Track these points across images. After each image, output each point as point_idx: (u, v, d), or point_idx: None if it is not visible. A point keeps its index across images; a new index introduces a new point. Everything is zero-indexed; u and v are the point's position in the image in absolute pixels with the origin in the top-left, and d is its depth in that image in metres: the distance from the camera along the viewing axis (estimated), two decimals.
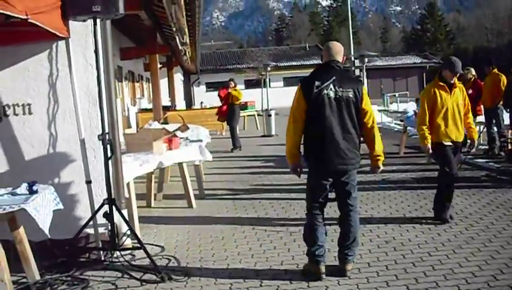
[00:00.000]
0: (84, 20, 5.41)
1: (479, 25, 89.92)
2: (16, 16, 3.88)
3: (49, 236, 4.69)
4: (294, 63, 51.05)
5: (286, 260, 5.51)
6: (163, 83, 24.01)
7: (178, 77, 33.03)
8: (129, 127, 16.80)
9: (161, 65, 20.94)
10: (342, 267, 5.03)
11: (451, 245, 5.67)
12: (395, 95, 36.44)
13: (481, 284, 4.55)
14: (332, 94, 4.88)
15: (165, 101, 23.52)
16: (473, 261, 5.15)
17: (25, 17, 3.96)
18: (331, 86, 4.88)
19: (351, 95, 4.91)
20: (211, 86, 44.59)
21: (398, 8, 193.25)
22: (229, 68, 47.81)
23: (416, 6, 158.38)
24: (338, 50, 5.12)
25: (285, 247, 5.93)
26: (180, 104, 31.75)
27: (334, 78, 4.91)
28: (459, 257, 5.28)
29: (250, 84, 43.51)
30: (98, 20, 5.40)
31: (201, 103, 31.31)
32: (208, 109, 22.58)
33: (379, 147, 5.17)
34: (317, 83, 4.90)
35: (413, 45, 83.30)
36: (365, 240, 6.02)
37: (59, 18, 5.07)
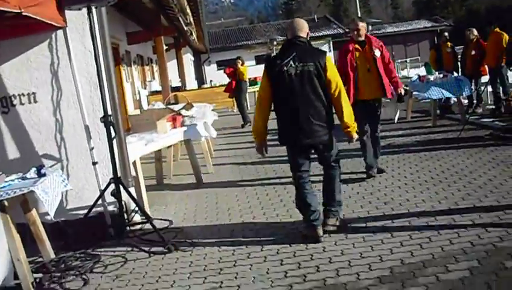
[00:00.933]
0: (79, 9, 5.64)
1: None
2: (10, 10, 4.10)
3: (52, 218, 4.96)
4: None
5: (289, 226, 5.75)
6: (173, 64, 24.21)
7: (188, 58, 33.14)
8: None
9: (168, 47, 21.09)
10: (324, 221, 5.30)
11: (448, 202, 5.84)
12: (406, 61, 36.24)
13: (472, 237, 4.70)
14: (292, 70, 5.02)
15: (175, 82, 23.72)
16: (466, 216, 5.30)
17: (18, 11, 4.18)
18: (291, 62, 5.03)
19: (311, 68, 5.03)
20: (221, 64, 44.50)
21: None
22: (238, 45, 47.72)
23: None
24: (300, 26, 5.25)
25: (287, 213, 6.15)
26: (192, 84, 31.92)
27: (294, 54, 5.06)
28: (454, 213, 5.44)
29: (260, 60, 43.53)
30: (92, 8, 5.62)
31: (211, 81, 31.38)
32: (218, 87, 22.74)
33: (348, 117, 5.25)
34: (278, 61, 5.08)
35: (425, 9, 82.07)
36: (365, 202, 6.24)
37: (54, 9, 5.31)
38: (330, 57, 5.25)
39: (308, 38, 5.29)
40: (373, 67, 7.22)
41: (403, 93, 7.92)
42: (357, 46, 7.26)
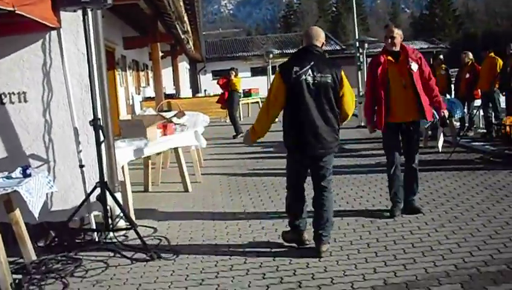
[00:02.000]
0: (74, 11, 5.62)
1: (488, 9, 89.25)
2: (4, 8, 4.08)
3: (37, 219, 4.90)
4: None
5: (272, 239, 5.70)
6: (168, 71, 24.23)
7: (184, 66, 33.18)
8: None
9: (164, 54, 21.11)
10: (317, 248, 5.14)
11: (434, 224, 5.83)
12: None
13: (456, 260, 4.70)
14: (310, 79, 4.96)
15: (170, 89, 23.72)
16: (452, 238, 5.31)
17: (12, 9, 4.15)
18: (309, 71, 4.96)
19: (329, 80, 5.00)
20: (217, 74, 44.53)
21: None
22: (235, 56, 47.87)
23: None
24: (317, 35, 5.18)
25: (272, 227, 6.12)
26: (186, 92, 31.92)
27: (312, 63, 4.99)
28: (440, 235, 5.44)
29: (256, 72, 43.65)
30: (88, 10, 5.60)
31: (205, 90, 31.48)
32: (211, 96, 22.75)
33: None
34: (295, 69, 4.98)
35: (422, 31, 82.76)
36: (351, 221, 6.21)
37: (49, 9, 5.28)
38: (343, 72, 5.21)
39: (323, 49, 5.25)
40: (409, 83, 6.08)
41: (446, 116, 6.77)
42: (389, 57, 6.19)
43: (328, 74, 5.01)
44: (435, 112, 6.86)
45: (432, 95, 6.28)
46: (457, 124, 12.89)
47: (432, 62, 14.53)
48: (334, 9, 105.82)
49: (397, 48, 6.22)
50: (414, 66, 6.11)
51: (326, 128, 5.06)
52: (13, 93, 6.11)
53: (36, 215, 4.84)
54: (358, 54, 18.05)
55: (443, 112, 6.51)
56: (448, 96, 12.64)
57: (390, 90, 6.13)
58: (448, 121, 10.75)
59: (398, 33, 6.21)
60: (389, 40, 6.19)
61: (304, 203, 5.36)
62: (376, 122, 6.38)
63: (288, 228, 5.53)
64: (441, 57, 14.30)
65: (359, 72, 18.16)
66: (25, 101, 6.12)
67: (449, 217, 6.07)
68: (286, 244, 5.41)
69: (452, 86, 13.67)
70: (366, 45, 17.86)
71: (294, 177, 5.34)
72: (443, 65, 13.71)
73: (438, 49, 51.47)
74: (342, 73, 5.14)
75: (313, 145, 5.07)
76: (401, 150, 6.44)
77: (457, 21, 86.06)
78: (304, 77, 4.96)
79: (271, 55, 24.35)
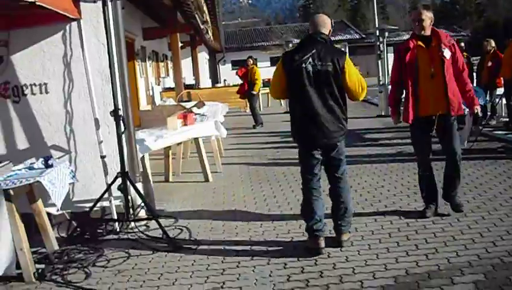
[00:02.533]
0: (94, 1, 5.63)
1: None
2: (24, 0, 4.10)
3: (59, 209, 4.94)
4: None
5: (293, 229, 5.68)
6: (188, 61, 24.24)
7: (203, 56, 33.19)
8: None
9: (183, 44, 21.11)
10: (338, 238, 5.12)
11: (456, 214, 5.76)
12: None
13: (479, 250, 4.66)
14: (310, 68, 4.81)
15: (189, 79, 23.75)
16: (474, 228, 5.26)
17: (33, 0, 4.17)
18: (310, 59, 4.83)
19: (329, 68, 4.82)
20: (236, 64, 44.49)
21: None
22: (254, 46, 47.73)
23: None
24: (323, 22, 5.05)
25: (293, 216, 6.10)
26: (206, 82, 31.95)
27: (314, 51, 4.85)
28: (462, 225, 5.39)
29: (275, 62, 43.57)
30: (108, 1, 5.61)
31: (225, 80, 31.47)
32: (231, 86, 22.75)
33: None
34: (296, 57, 4.88)
35: (443, 18, 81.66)
36: (372, 210, 6.19)
37: (69, 0, 5.29)
38: (349, 59, 4.99)
39: (330, 36, 5.09)
40: (439, 71, 5.47)
41: (479, 113, 6.12)
42: (420, 43, 5.57)
43: (329, 62, 4.83)
44: (466, 108, 6.19)
45: (464, 89, 5.70)
46: (480, 112, 12.72)
47: None
48: None
49: (427, 32, 5.56)
50: (447, 53, 5.48)
51: (328, 118, 4.89)
52: (34, 84, 6.15)
53: (59, 205, 4.88)
54: (378, 43, 17.89)
55: (476, 108, 5.85)
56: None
57: (419, 79, 5.53)
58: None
59: (427, 15, 5.51)
60: (417, 23, 5.55)
61: (319, 203, 5.09)
62: (403, 116, 5.76)
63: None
64: (462, 44, 14.10)
65: (379, 61, 18.02)
66: (46, 92, 6.16)
67: (471, 206, 6.01)
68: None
69: (474, 74, 13.49)
70: (386, 34, 17.67)
71: (306, 170, 5.12)
72: (465, 53, 13.52)
73: (459, 37, 50.83)
74: (346, 60, 4.92)
75: (314, 135, 4.93)
76: (431, 146, 5.90)
77: (478, 8, 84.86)
78: (304, 65, 4.83)
79: (290, 45, 24.12)
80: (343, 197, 5.11)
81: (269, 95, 23.41)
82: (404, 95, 5.77)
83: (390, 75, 5.48)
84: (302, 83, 4.84)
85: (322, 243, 4.97)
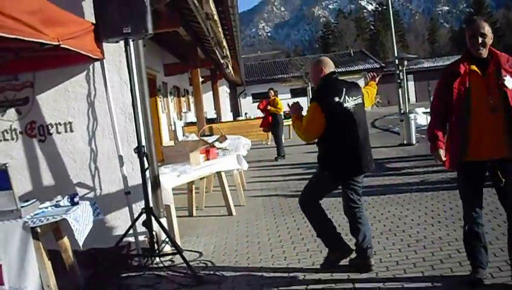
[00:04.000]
0: (116, 42, 5.77)
1: None
2: (49, 42, 4.22)
3: (81, 247, 4.99)
4: (339, 70, 50.78)
5: (317, 261, 5.67)
6: (209, 96, 24.46)
7: (224, 90, 33.48)
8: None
9: (204, 79, 21.35)
10: (367, 264, 5.26)
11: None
12: None
13: (506, 278, 4.62)
14: (350, 105, 5.17)
15: (211, 113, 23.93)
16: (501, 256, 5.19)
17: (57, 43, 4.30)
18: (346, 97, 5.15)
19: (360, 101, 5.30)
20: (257, 97, 44.85)
21: (446, 8, 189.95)
22: (274, 78, 48.12)
23: (464, 5, 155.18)
24: (332, 63, 5.48)
25: (317, 249, 6.10)
26: (227, 116, 32.16)
27: (345, 89, 5.19)
28: (492, 250, 5.34)
29: (296, 93, 43.78)
30: (130, 41, 5.75)
31: (246, 113, 31.68)
32: (252, 119, 22.88)
33: None
34: (336, 99, 5.11)
35: (462, 45, 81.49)
36: (396, 240, 6.15)
37: (92, 41, 5.43)
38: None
39: None
40: (499, 104, 4.25)
41: None
42: (473, 67, 4.38)
43: (359, 95, 5.32)
44: None
45: None
46: None
47: None
48: (371, 27, 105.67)
49: (484, 54, 4.39)
50: (509, 82, 4.24)
51: (369, 146, 5.43)
52: (59, 123, 6.30)
53: (81, 243, 4.93)
54: (398, 72, 17.94)
55: None
56: None
57: (472, 113, 4.32)
58: None
59: (489, 31, 4.34)
60: (479, 40, 4.33)
61: (329, 220, 5.54)
62: (447, 160, 4.59)
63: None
64: None
65: (399, 90, 18.05)
66: (71, 130, 6.30)
67: (497, 234, 5.94)
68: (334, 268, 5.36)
69: None
70: (405, 62, 17.75)
71: (317, 196, 5.49)
72: None
73: None
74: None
75: (364, 164, 5.31)
76: (482, 198, 4.72)
77: (497, 33, 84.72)
78: (346, 104, 5.13)
79: (309, 76, 24.36)
80: (361, 224, 5.35)
81: (290, 127, 23.57)
82: (448, 132, 4.65)
83: (431, 102, 4.79)
84: (347, 119, 5.16)
85: (372, 261, 5.27)
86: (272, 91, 16.75)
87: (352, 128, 5.18)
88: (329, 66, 5.35)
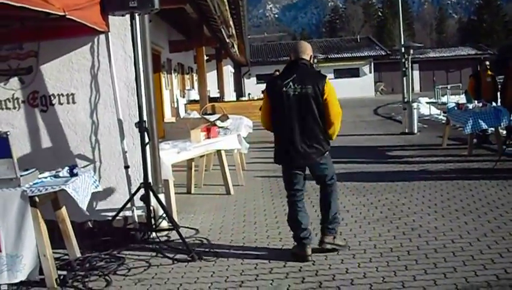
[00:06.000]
0: (122, 15, 5.76)
1: None
2: (55, 13, 4.22)
3: (87, 214, 5.05)
4: (345, 55, 50.73)
5: (313, 242, 5.68)
6: (213, 74, 24.41)
7: (228, 69, 33.39)
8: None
9: (209, 57, 21.28)
10: (320, 238, 5.38)
11: (476, 233, 5.75)
12: (447, 87, 35.86)
13: (498, 271, 4.63)
14: (291, 91, 5.07)
15: (214, 92, 23.90)
16: (494, 248, 5.23)
17: (62, 13, 4.30)
18: (291, 83, 5.08)
19: (309, 91, 5.05)
20: (261, 78, 44.78)
21: None
22: (279, 60, 47.84)
23: None
24: (304, 49, 5.31)
25: (313, 231, 6.12)
26: (230, 95, 32.12)
27: (294, 75, 5.12)
28: (482, 245, 5.36)
29: None
30: (136, 15, 5.73)
31: (249, 94, 31.61)
32: (255, 100, 22.83)
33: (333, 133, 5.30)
34: (278, 82, 5.16)
35: (469, 36, 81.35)
36: (392, 227, 6.18)
37: (98, 13, 5.42)
38: (330, 82, 5.24)
39: (312, 61, 5.36)
40: None
41: None
42: None
43: (309, 85, 5.06)
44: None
45: None
46: (504, 132, 12.65)
47: (478, 68, 14.27)
48: (379, 14, 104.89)
49: None
50: None
51: (306, 140, 5.14)
52: (62, 94, 6.31)
53: (85, 211, 4.99)
54: (403, 60, 17.87)
55: None
56: (494, 104, 12.41)
57: None
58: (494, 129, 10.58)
59: None
60: None
61: (303, 213, 5.38)
62: None
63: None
64: (487, 63, 14.00)
65: (404, 78, 18.00)
66: (73, 102, 6.31)
67: (492, 226, 5.98)
68: (327, 248, 5.38)
69: (498, 93, 13.38)
70: (411, 51, 17.68)
71: (289, 187, 5.41)
72: (489, 72, 13.45)
73: (485, 55, 50.53)
74: (327, 84, 5.13)
75: (292, 156, 5.22)
76: None
77: (506, 27, 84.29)
78: (284, 89, 5.08)
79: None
80: (327, 199, 5.39)
81: None
82: None
83: None
84: (282, 106, 5.12)
85: (309, 251, 5.23)
86: (277, 72, 16.66)
87: (287, 115, 5.12)
88: (296, 52, 5.28)
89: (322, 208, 5.44)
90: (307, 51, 5.31)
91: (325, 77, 5.26)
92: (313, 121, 5.10)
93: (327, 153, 5.30)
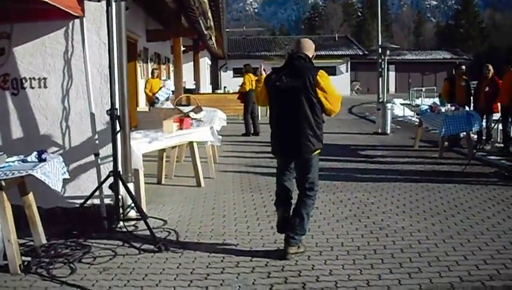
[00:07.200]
0: (98, 1, 5.70)
1: None
2: None
3: (62, 195, 4.99)
4: (322, 53, 50.67)
5: (279, 239, 5.69)
6: (189, 66, 24.31)
7: (205, 61, 33.31)
8: None
9: (186, 48, 21.18)
10: (284, 249, 5.21)
11: (442, 235, 5.82)
12: (421, 90, 36.23)
13: (462, 273, 4.70)
14: (283, 85, 5.06)
15: (190, 84, 23.82)
16: (459, 250, 5.31)
17: None
18: (283, 77, 5.08)
19: (298, 84, 4.97)
20: (238, 72, 44.64)
21: (434, 2, 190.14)
22: (257, 55, 47.81)
23: (453, 1, 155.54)
24: (306, 46, 5.24)
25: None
26: (206, 87, 32.02)
27: (287, 69, 5.14)
28: (447, 247, 5.43)
29: None
30: (112, 1, 5.66)
31: (225, 87, 31.59)
32: (231, 93, 22.80)
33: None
34: (273, 76, 5.21)
35: (446, 40, 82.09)
36: (360, 225, 6.22)
37: None
38: (324, 73, 5.10)
39: (311, 57, 5.26)
40: None
41: None
42: None
43: (300, 78, 4.98)
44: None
45: None
46: (474, 136, 12.82)
47: (453, 72, 14.43)
48: (359, 14, 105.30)
49: None
50: None
51: (297, 133, 5.06)
52: (34, 78, 6.21)
53: (59, 189, 4.99)
54: (380, 60, 17.97)
55: None
56: (467, 108, 12.56)
57: None
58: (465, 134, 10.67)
59: None
60: None
61: (288, 206, 5.43)
62: None
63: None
64: (463, 67, 14.17)
65: (380, 79, 18.12)
66: (45, 86, 6.21)
67: (458, 229, 6.06)
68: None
69: (471, 98, 13.54)
70: (388, 52, 17.79)
71: (280, 170, 5.44)
72: (464, 76, 13.61)
73: (461, 60, 51.08)
74: (320, 75, 5.01)
75: (282, 148, 5.27)
76: None
77: (482, 33, 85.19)
78: (278, 83, 5.10)
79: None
80: (301, 209, 5.23)
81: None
82: None
83: None
84: (274, 99, 5.21)
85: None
86: (263, 66, 16.53)
87: (278, 108, 5.19)
88: (297, 47, 5.25)
89: (294, 215, 5.27)
90: (307, 47, 5.25)
91: (318, 69, 5.14)
92: (303, 114, 5.01)
93: (317, 152, 5.18)
